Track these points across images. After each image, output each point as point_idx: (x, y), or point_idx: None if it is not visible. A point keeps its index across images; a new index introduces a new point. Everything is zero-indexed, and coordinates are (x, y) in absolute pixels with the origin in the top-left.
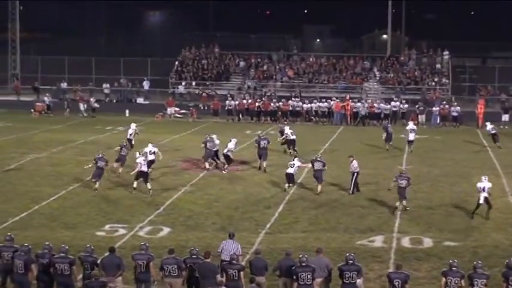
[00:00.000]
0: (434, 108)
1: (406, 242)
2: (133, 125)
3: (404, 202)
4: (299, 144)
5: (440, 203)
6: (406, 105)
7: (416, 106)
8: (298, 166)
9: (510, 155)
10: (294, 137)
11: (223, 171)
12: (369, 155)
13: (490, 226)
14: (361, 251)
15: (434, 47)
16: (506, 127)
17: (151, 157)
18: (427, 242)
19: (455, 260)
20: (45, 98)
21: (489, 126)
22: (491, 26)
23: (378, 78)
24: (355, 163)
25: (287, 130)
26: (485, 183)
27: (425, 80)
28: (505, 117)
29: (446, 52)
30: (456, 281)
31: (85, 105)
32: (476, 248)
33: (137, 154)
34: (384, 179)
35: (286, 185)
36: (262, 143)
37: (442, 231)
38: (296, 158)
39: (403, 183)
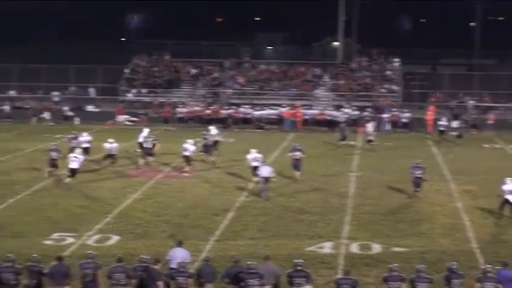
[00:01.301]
0: (384, 115)
1: (355, 248)
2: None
3: (417, 191)
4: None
5: (389, 209)
6: (357, 112)
7: (366, 113)
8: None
9: (458, 161)
10: (218, 138)
11: (185, 174)
12: (319, 162)
13: (438, 231)
14: (310, 257)
15: (385, 54)
16: (456, 133)
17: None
18: (376, 248)
19: (396, 264)
20: (6, 107)
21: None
22: (441, 33)
23: (328, 85)
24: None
25: (213, 131)
26: (510, 186)
27: (376, 87)
28: (455, 124)
29: (396, 59)
30: (397, 285)
31: (49, 114)
32: (424, 253)
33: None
34: (333, 185)
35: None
36: (296, 154)
37: (390, 237)
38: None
39: (419, 172)
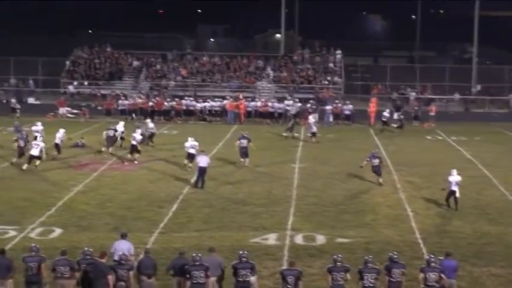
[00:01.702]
0: (327, 107)
1: (299, 239)
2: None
3: (380, 179)
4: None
5: (333, 200)
6: (299, 104)
7: (309, 105)
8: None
9: (400, 153)
10: (154, 130)
11: (135, 162)
12: (263, 154)
13: (382, 222)
14: (255, 248)
15: (327, 46)
16: (395, 125)
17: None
18: (320, 239)
19: (339, 255)
20: None
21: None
22: (383, 25)
23: (271, 77)
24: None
25: (150, 124)
26: (457, 177)
27: (318, 79)
28: (396, 115)
29: (338, 51)
30: (341, 276)
31: None
32: (368, 244)
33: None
34: (277, 177)
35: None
36: (243, 141)
37: (334, 228)
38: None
39: (377, 161)
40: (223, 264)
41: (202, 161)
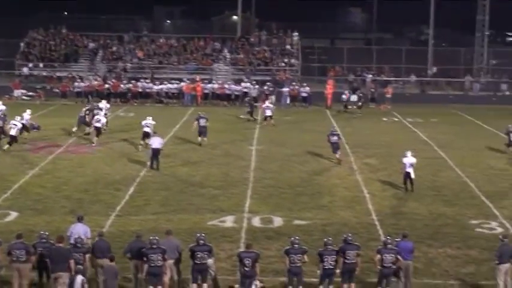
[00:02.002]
0: (284, 89)
1: (256, 221)
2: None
3: (337, 154)
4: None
5: (290, 183)
6: (256, 86)
7: (265, 87)
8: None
9: (357, 135)
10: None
11: (93, 144)
12: (220, 136)
13: (339, 204)
14: (212, 231)
15: (284, 28)
16: (354, 107)
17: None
18: (278, 221)
19: (297, 237)
20: None
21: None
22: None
23: (228, 59)
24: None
25: (102, 104)
26: (411, 159)
27: (275, 61)
28: (354, 98)
29: (295, 33)
30: (299, 258)
31: None
32: (325, 226)
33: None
34: (234, 159)
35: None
36: (201, 121)
37: (291, 210)
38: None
39: (335, 138)
40: (180, 247)
41: (155, 142)
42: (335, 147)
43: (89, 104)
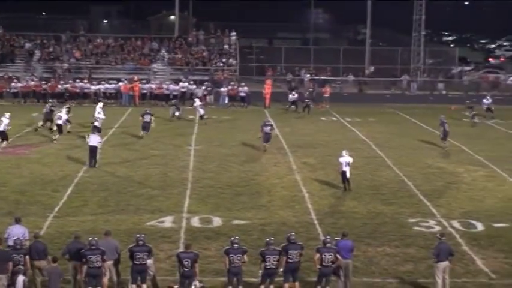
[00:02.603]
0: (222, 89)
1: (195, 221)
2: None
3: (267, 144)
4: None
5: (228, 183)
6: (194, 86)
7: (203, 87)
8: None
9: (295, 135)
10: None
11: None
12: (159, 136)
13: (278, 204)
14: (152, 231)
15: (222, 28)
16: (292, 107)
17: None
18: (217, 221)
19: (237, 237)
20: None
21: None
22: (276, 7)
23: (166, 59)
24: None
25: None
26: (347, 158)
27: (214, 61)
28: (292, 97)
29: (233, 33)
30: (239, 258)
31: None
32: (264, 225)
33: None
34: (172, 159)
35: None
36: (146, 117)
37: (231, 210)
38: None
39: (268, 129)
40: (119, 247)
41: (93, 140)
42: (266, 137)
43: (52, 101)
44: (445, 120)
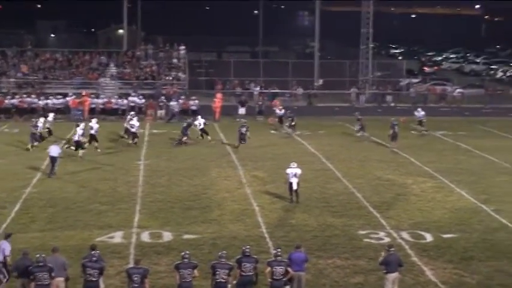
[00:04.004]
0: (172, 103)
1: (145, 236)
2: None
3: (242, 143)
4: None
5: (179, 197)
6: (143, 100)
7: (180, 101)
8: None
9: (245, 147)
10: None
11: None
12: (108, 151)
13: (228, 218)
14: (101, 247)
15: (171, 41)
16: (242, 120)
17: None
18: (167, 236)
19: (187, 252)
20: None
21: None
22: (225, 20)
23: (114, 73)
24: None
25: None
26: (295, 169)
27: (163, 75)
28: (242, 111)
29: (182, 47)
30: (189, 272)
31: None
32: (215, 239)
33: None
34: (121, 174)
35: None
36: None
37: (181, 224)
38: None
39: (244, 130)
40: (67, 264)
41: (53, 150)
42: (241, 137)
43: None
44: (395, 123)
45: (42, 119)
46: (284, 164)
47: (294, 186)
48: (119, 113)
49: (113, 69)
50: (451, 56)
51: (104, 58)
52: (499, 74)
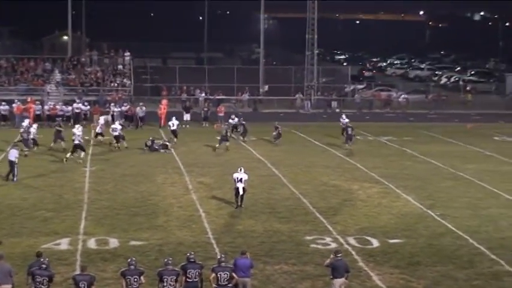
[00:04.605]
0: (116, 109)
1: (92, 243)
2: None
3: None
4: None
5: (124, 203)
6: (88, 107)
7: (144, 108)
8: None
9: (191, 154)
10: None
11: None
12: (54, 158)
13: (174, 224)
14: (47, 254)
15: (116, 48)
16: (188, 126)
17: None
18: (113, 243)
19: (134, 258)
20: None
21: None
22: (170, 26)
23: (59, 79)
24: None
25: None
26: (241, 174)
27: (108, 81)
28: (187, 117)
29: (127, 53)
30: (135, 279)
31: None
32: (161, 246)
33: None
34: (68, 181)
35: None
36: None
37: (127, 231)
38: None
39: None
40: (13, 271)
41: (10, 154)
42: (223, 139)
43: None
44: (349, 125)
45: (35, 125)
46: (230, 170)
47: (240, 192)
48: (64, 120)
49: (57, 76)
50: (396, 61)
51: (49, 64)
52: (443, 80)
